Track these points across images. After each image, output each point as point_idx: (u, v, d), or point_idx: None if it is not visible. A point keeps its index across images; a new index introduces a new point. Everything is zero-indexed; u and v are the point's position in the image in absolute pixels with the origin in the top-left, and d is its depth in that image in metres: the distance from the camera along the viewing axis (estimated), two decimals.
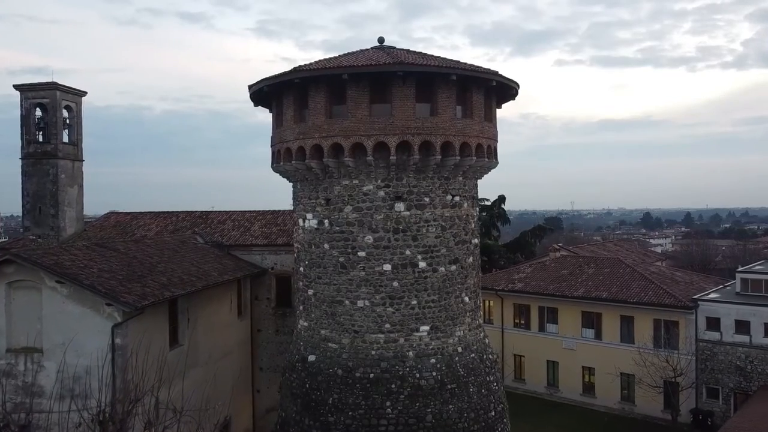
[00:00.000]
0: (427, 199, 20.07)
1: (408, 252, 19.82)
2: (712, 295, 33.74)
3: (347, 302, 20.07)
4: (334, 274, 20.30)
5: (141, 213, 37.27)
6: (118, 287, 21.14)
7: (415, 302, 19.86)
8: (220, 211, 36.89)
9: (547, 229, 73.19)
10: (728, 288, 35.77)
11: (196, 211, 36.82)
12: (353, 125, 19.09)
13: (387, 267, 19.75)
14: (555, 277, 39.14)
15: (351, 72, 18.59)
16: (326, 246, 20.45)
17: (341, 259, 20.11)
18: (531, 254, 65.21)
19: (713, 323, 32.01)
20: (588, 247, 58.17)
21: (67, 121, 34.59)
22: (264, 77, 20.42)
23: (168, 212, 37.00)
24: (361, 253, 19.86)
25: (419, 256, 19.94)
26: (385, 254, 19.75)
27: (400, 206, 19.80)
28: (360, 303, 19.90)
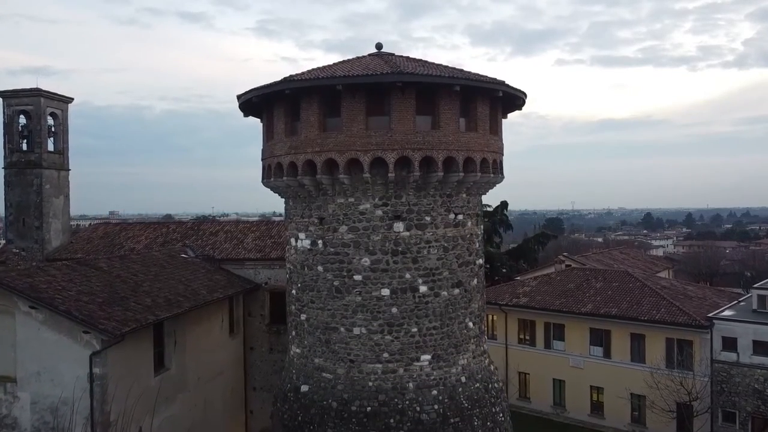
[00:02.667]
0: (428, 218, 18.63)
1: (408, 275, 18.38)
2: (728, 313, 32.16)
3: (342, 329, 18.65)
4: (328, 298, 18.88)
5: (130, 224, 36.31)
6: (97, 312, 19.81)
7: (415, 329, 18.43)
8: (212, 222, 35.93)
9: (551, 235, 71.78)
10: (743, 304, 34.22)
11: (187, 222, 35.77)
12: (348, 139, 17.66)
13: (385, 291, 18.32)
14: (561, 291, 37.59)
15: (346, 83, 17.16)
16: (320, 268, 19.04)
17: (336, 283, 18.69)
18: (534, 261, 63.89)
19: (729, 343, 30.45)
20: (593, 255, 56.70)
21: (53, 129, 33.20)
22: (253, 87, 19.00)
23: (158, 222, 35.99)
24: (358, 277, 18.43)
25: (420, 280, 18.50)
26: (383, 278, 18.31)
27: (399, 226, 18.36)
28: (356, 330, 18.47)
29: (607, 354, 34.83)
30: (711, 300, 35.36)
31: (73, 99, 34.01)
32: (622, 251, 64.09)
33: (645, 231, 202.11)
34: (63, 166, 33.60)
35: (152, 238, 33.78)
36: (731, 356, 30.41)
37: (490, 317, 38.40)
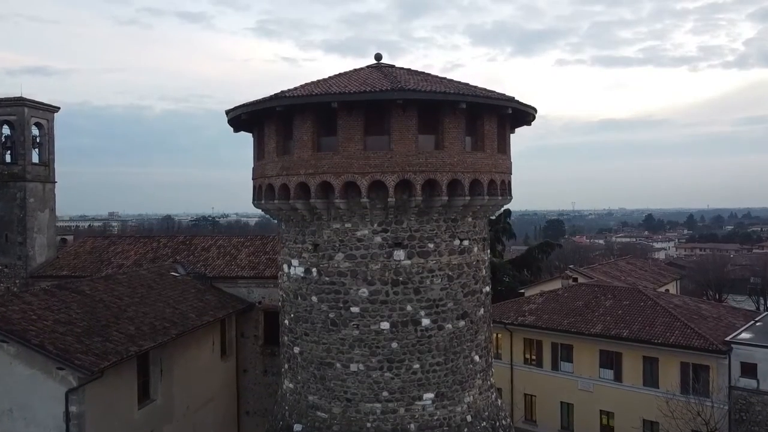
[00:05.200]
0: (431, 245, 17.15)
1: (409, 307, 16.92)
2: (746, 335, 30.51)
3: (338, 365, 17.18)
4: (323, 331, 17.40)
5: (120, 238, 35.07)
6: (74, 345, 18.40)
7: (417, 366, 16.97)
8: (204, 237, 34.79)
9: (555, 244, 70.65)
10: (760, 324, 32.62)
11: (178, 236, 34.53)
12: (345, 161, 16.20)
13: (385, 325, 16.84)
14: (569, 310, 35.96)
15: (342, 99, 15.69)
16: (314, 299, 17.56)
17: (331, 315, 17.21)
18: (537, 270, 62.56)
19: (749, 369, 28.79)
20: (599, 267, 55.19)
21: (38, 140, 31.80)
22: (242, 103, 17.59)
23: (149, 237, 34.80)
24: (355, 309, 16.96)
25: (422, 312, 17.02)
26: (383, 310, 16.83)
27: (399, 254, 16.89)
28: (353, 366, 17.00)
29: (618, 377, 33.16)
30: (726, 320, 33.70)
31: (59, 108, 32.62)
32: (628, 261, 62.56)
33: (646, 232, 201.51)
34: (48, 178, 32.20)
35: (142, 254, 32.38)
36: (751, 383, 28.71)
37: (494, 336, 36.90)
